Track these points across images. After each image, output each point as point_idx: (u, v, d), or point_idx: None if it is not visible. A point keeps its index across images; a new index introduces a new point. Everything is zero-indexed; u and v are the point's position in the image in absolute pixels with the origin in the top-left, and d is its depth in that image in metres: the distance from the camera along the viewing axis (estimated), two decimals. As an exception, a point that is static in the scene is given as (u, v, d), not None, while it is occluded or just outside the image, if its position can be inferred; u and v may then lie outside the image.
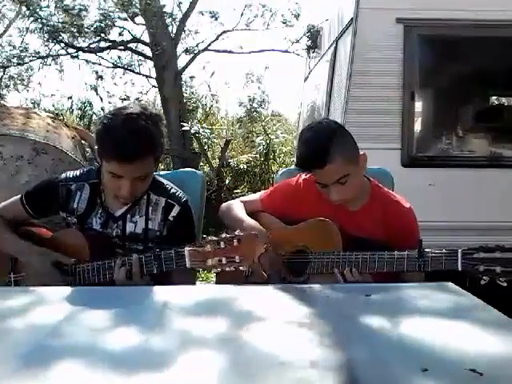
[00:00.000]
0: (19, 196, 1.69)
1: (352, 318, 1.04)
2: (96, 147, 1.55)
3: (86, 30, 8.00)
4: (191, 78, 9.45)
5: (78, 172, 1.69)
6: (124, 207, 1.62)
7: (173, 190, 1.66)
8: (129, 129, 1.45)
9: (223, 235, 1.35)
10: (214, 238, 1.35)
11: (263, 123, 8.70)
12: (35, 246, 1.59)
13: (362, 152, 1.62)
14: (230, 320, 1.03)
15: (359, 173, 1.63)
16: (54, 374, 0.79)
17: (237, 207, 1.77)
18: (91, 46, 8.42)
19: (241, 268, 1.35)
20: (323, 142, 1.54)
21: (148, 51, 8.57)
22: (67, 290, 1.31)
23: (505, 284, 1.33)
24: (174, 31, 8.37)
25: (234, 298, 1.19)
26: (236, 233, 1.35)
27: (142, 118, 1.48)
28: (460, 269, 1.37)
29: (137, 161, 1.46)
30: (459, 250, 1.39)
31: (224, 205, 1.85)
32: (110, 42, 8.51)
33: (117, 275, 1.46)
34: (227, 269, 1.34)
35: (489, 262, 1.34)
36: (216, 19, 8.62)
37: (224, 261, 1.34)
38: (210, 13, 8.62)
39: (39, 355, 0.85)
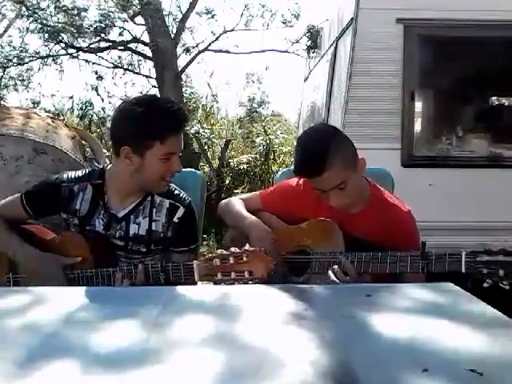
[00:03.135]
0: (18, 195, 1.67)
1: (352, 318, 1.04)
2: (138, 138, 1.49)
3: (85, 30, 8.00)
4: (187, 76, 9.47)
5: (80, 173, 1.68)
6: (127, 208, 1.61)
7: (176, 192, 1.65)
8: (170, 101, 1.58)
9: (232, 249, 1.34)
10: (225, 252, 1.34)
11: (263, 123, 8.70)
12: (37, 250, 1.58)
13: (360, 156, 1.59)
14: (230, 320, 1.02)
15: (358, 177, 1.60)
16: (53, 374, 0.79)
17: (237, 204, 1.76)
18: (91, 46, 8.43)
19: (249, 283, 1.33)
20: (319, 150, 1.50)
21: (148, 51, 8.58)
22: (66, 290, 1.31)
23: (507, 287, 1.33)
24: (174, 31, 8.38)
25: (234, 297, 1.19)
26: (245, 248, 1.35)
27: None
28: (464, 271, 1.37)
29: (183, 129, 1.56)
30: (463, 253, 1.38)
31: (223, 202, 1.83)
32: (110, 42, 8.52)
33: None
34: (236, 283, 1.33)
35: (492, 264, 1.34)
36: (212, 17, 8.62)
37: (233, 275, 1.33)
38: (206, 9, 8.62)
39: (38, 355, 0.85)
